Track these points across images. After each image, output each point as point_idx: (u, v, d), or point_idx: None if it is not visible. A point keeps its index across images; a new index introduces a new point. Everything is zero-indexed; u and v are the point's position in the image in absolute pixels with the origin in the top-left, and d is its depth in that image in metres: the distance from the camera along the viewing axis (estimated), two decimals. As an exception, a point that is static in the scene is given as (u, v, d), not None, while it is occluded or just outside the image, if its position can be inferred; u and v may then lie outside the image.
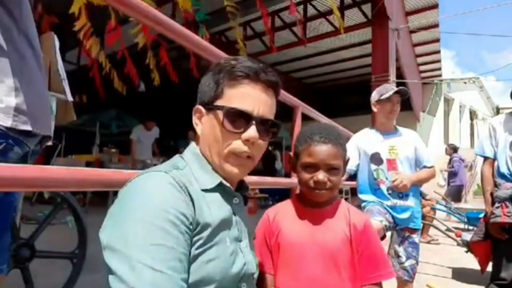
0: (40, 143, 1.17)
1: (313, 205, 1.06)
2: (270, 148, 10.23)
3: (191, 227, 0.68)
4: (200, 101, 0.84)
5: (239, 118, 0.78)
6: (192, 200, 0.71)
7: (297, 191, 1.16)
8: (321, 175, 0.99)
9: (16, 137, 0.99)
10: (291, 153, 1.13)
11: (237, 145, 0.79)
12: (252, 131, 0.78)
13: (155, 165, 0.84)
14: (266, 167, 9.91)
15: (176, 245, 0.64)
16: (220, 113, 0.78)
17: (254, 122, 0.78)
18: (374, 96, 2.32)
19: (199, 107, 0.84)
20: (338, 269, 0.99)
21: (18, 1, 1.04)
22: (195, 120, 0.85)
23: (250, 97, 0.79)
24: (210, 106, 0.81)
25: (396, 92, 2.22)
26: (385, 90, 2.26)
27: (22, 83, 1.00)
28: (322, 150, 1.00)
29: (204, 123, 0.83)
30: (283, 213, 1.09)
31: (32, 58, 1.07)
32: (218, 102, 0.80)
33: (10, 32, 1.00)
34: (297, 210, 1.08)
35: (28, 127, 1.00)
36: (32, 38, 1.10)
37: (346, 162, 1.08)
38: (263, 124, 0.81)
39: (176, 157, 0.84)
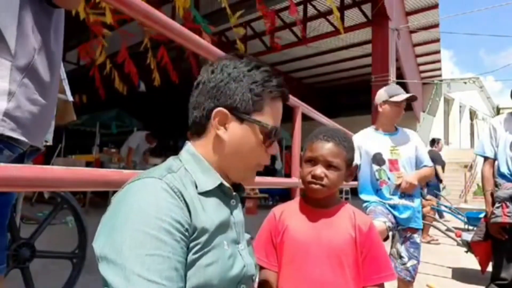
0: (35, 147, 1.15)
1: (319, 205, 1.08)
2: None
3: (186, 233, 0.67)
4: (222, 104, 0.78)
5: (273, 135, 0.83)
6: (187, 205, 0.69)
7: (295, 194, 1.18)
8: (318, 170, 1.03)
9: (5, 140, 0.97)
10: (301, 153, 1.16)
11: (267, 159, 0.85)
12: (277, 147, 0.85)
13: (154, 165, 0.84)
14: (266, 167, 9.92)
15: (172, 254, 0.62)
16: (259, 128, 0.80)
17: (278, 139, 0.85)
18: (382, 95, 2.27)
19: (224, 111, 0.78)
20: (342, 269, 1.00)
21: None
22: (214, 123, 0.78)
23: (279, 116, 0.85)
24: (245, 117, 0.79)
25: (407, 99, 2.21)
26: (395, 92, 2.24)
27: (21, 89, 0.98)
28: (323, 146, 1.04)
29: (232, 131, 0.79)
30: (289, 212, 1.11)
31: (48, 64, 1.06)
32: (257, 116, 0.80)
33: (29, 39, 0.99)
34: (303, 209, 1.10)
35: (14, 135, 0.97)
36: (54, 57, 1.09)
37: (352, 166, 1.09)
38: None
39: (170, 159, 0.82)
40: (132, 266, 0.59)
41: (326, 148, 1.04)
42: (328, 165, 1.03)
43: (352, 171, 1.10)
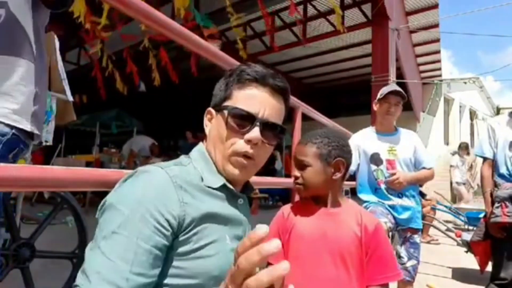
0: None
1: (326, 205, 1.11)
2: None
3: (165, 224, 0.67)
4: (212, 103, 0.87)
5: (244, 119, 0.80)
6: (182, 197, 0.71)
7: (295, 195, 1.21)
8: (295, 172, 1.12)
9: (25, 141, 1.04)
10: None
11: (240, 145, 0.80)
12: (255, 132, 0.79)
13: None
14: (265, 167, 9.90)
15: (136, 238, 0.64)
16: (226, 113, 0.80)
17: (258, 123, 0.79)
18: (378, 95, 2.31)
19: (210, 109, 0.87)
20: (346, 267, 1.02)
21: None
22: (205, 121, 0.87)
23: (256, 99, 0.81)
24: (218, 107, 0.84)
25: (392, 93, 2.20)
26: (385, 90, 2.26)
27: (40, 90, 1.05)
28: (297, 149, 1.13)
29: (212, 124, 0.86)
30: (297, 210, 1.14)
31: (45, 66, 1.13)
32: (226, 103, 0.82)
33: (40, 40, 1.04)
34: (311, 208, 1.12)
35: (37, 132, 1.07)
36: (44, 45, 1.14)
37: (334, 161, 1.08)
38: (269, 128, 0.82)
39: (182, 156, 0.86)
40: (99, 240, 0.64)
41: (298, 150, 1.12)
42: (301, 165, 1.10)
43: (336, 165, 1.08)
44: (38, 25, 1.05)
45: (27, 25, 1.00)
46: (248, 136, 0.79)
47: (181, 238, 0.69)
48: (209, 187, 0.78)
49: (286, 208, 1.16)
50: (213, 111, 0.86)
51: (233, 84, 0.83)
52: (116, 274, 0.60)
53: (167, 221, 0.68)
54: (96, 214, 0.71)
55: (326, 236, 1.05)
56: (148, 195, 0.68)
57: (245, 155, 0.80)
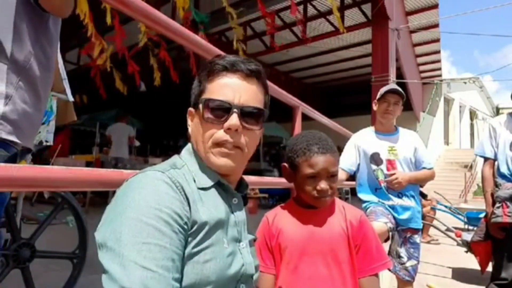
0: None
1: (311, 206, 1.10)
2: (278, 147, 10.12)
3: (185, 226, 0.68)
4: (191, 103, 0.86)
5: (220, 108, 0.78)
6: (187, 199, 0.71)
7: (294, 194, 1.19)
8: (323, 184, 1.04)
9: (2, 141, 0.98)
10: (286, 164, 1.15)
11: (219, 134, 0.78)
12: (233, 119, 0.77)
13: (154, 165, 0.85)
14: (275, 165, 9.84)
15: (169, 244, 0.63)
16: (201, 107, 0.79)
17: (235, 110, 0.77)
18: (377, 94, 2.31)
19: (190, 109, 0.86)
20: (338, 265, 1.02)
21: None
22: (188, 122, 0.86)
23: (228, 87, 0.79)
24: (196, 105, 0.83)
25: (390, 92, 2.20)
26: (384, 89, 2.26)
27: (17, 92, 0.98)
28: (323, 160, 1.05)
29: (193, 122, 0.85)
30: (282, 215, 1.13)
31: (42, 67, 1.07)
32: (201, 98, 0.82)
33: (22, 42, 1.00)
34: (295, 211, 1.12)
35: (11, 137, 0.98)
36: (49, 60, 1.10)
37: None
38: (248, 113, 0.80)
39: (175, 157, 0.85)
40: (129, 253, 0.60)
41: (326, 161, 1.05)
42: (332, 176, 1.06)
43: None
44: (24, 25, 0.99)
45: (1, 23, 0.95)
46: (226, 124, 0.77)
47: (187, 242, 0.69)
48: (202, 188, 0.77)
49: (270, 214, 1.14)
50: (192, 110, 0.85)
51: (205, 78, 0.82)
52: (162, 284, 0.60)
53: (186, 223, 0.68)
54: (99, 230, 0.66)
55: (315, 236, 1.05)
56: (161, 199, 0.67)
57: (228, 144, 0.78)
